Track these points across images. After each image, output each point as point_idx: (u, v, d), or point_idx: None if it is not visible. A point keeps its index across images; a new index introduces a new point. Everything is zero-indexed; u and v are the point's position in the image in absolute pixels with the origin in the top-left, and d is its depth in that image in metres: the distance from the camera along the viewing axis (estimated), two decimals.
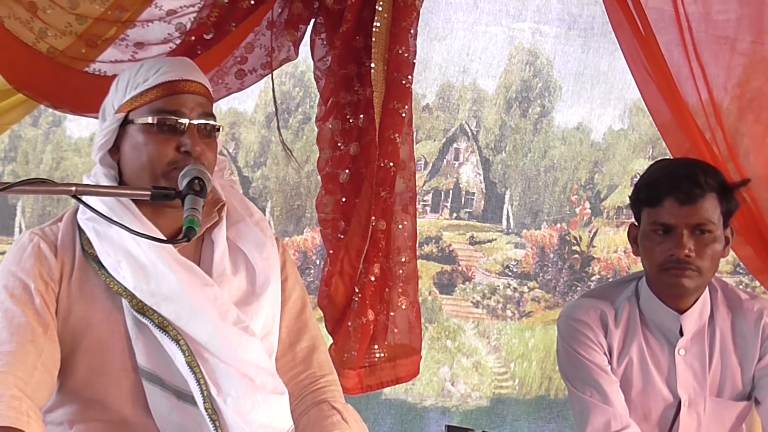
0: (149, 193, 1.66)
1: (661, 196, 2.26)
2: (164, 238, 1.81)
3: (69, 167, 5.86)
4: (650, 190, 2.29)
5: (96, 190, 1.76)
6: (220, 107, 5.56)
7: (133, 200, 1.88)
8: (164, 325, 1.83)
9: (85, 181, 1.94)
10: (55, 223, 1.95)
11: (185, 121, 1.87)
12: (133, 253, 1.85)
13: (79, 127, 5.61)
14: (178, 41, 2.57)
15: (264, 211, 5.58)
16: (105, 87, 2.54)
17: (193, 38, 2.56)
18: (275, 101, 2.72)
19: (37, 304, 1.82)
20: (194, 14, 2.57)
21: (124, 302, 1.85)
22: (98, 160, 1.94)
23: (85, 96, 2.53)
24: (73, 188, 1.62)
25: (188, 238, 1.62)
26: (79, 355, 1.86)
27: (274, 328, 1.96)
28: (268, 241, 1.98)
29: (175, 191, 1.69)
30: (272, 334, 1.95)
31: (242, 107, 5.63)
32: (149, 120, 1.87)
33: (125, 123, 1.91)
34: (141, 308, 1.84)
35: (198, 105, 1.90)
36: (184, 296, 1.84)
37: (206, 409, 1.81)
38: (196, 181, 1.71)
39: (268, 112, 5.55)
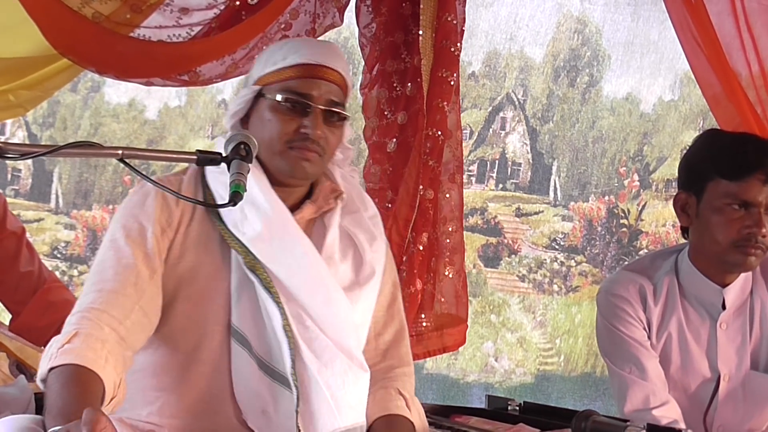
0: (195, 157, 1.73)
1: (749, 171, 2.25)
2: (270, 214, 1.90)
3: (107, 133, 5.96)
4: (734, 163, 2.27)
5: (142, 154, 1.84)
6: None
7: (265, 172, 1.95)
8: (270, 286, 1.89)
9: (219, 142, 1.99)
10: (179, 175, 2.01)
11: (311, 104, 1.94)
12: (259, 210, 1.92)
13: (118, 93, 5.71)
14: (222, 6, 2.61)
15: None
16: (149, 52, 2.62)
17: (237, 3, 2.60)
18: None
19: (150, 248, 1.89)
20: None
21: (235, 258, 1.92)
22: (229, 127, 2.02)
23: (129, 61, 2.60)
24: (120, 151, 1.68)
25: (234, 202, 1.67)
26: (179, 303, 1.93)
27: (368, 319, 2.03)
28: (379, 237, 2.06)
29: (221, 156, 1.75)
30: (364, 325, 2.02)
31: None
32: (278, 97, 1.95)
33: (258, 96, 1.98)
34: (252, 265, 1.91)
35: (328, 92, 1.96)
36: (303, 262, 1.92)
37: (292, 378, 1.87)
38: (242, 146, 1.74)
39: None
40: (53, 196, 6.14)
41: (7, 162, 1.71)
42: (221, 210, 1.93)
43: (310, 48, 2.00)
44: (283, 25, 2.69)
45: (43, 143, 6.19)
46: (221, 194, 1.94)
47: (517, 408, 2.42)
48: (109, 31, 2.55)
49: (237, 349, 1.91)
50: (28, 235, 2.55)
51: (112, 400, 1.74)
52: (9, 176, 6.13)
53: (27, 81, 2.72)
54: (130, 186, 5.29)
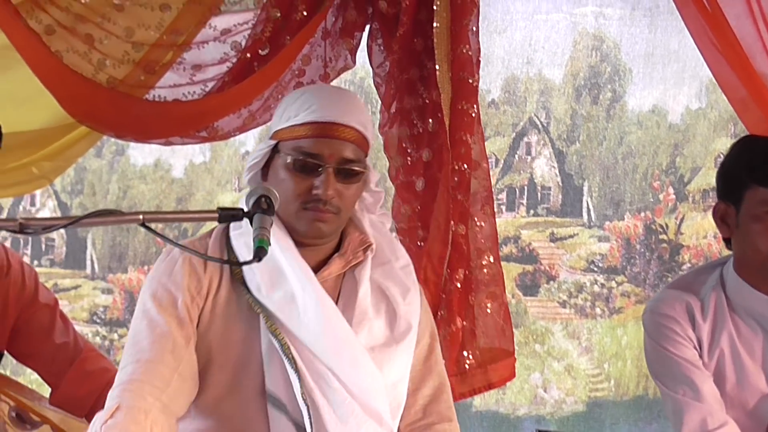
0: (216, 215, 1.71)
1: None
2: (293, 274, 1.87)
3: (136, 195, 6.00)
4: None
5: (163, 216, 1.82)
6: None
7: (289, 232, 1.94)
8: (288, 351, 1.87)
9: (242, 200, 1.99)
10: (205, 238, 2.00)
11: (322, 164, 1.92)
12: (283, 274, 1.90)
13: (143, 154, 5.75)
14: (234, 60, 2.62)
15: None
16: (166, 112, 2.63)
17: (248, 55, 2.61)
18: None
19: (182, 316, 1.89)
20: (248, 31, 2.62)
21: (262, 322, 1.90)
22: (247, 180, 2.01)
23: (147, 123, 2.61)
24: (141, 216, 1.67)
25: (259, 258, 1.64)
26: (213, 372, 1.91)
27: (406, 375, 1.98)
28: (413, 287, 2.02)
29: (242, 211, 1.73)
30: (403, 381, 1.97)
31: None
32: (289, 158, 1.93)
33: (275, 149, 1.97)
34: (274, 330, 1.89)
35: (341, 150, 1.93)
36: (326, 325, 1.89)
37: None
38: (263, 199, 1.72)
39: None
40: (88, 262, 6.18)
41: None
42: (245, 274, 1.91)
43: (322, 103, 1.96)
44: (296, 72, 2.70)
45: (72, 211, 6.26)
46: (244, 255, 1.92)
47: None
48: (124, 95, 2.57)
49: (274, 413, 1.89)
50: (64, 303, 2.54)
51: None
52: (44, 246, 6.18)
53: (48, 152, 2.74)
54: (163, 246, 5.31)
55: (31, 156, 2.73)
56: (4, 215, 6.03)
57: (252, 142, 5.69)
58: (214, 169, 5.66)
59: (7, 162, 2.55)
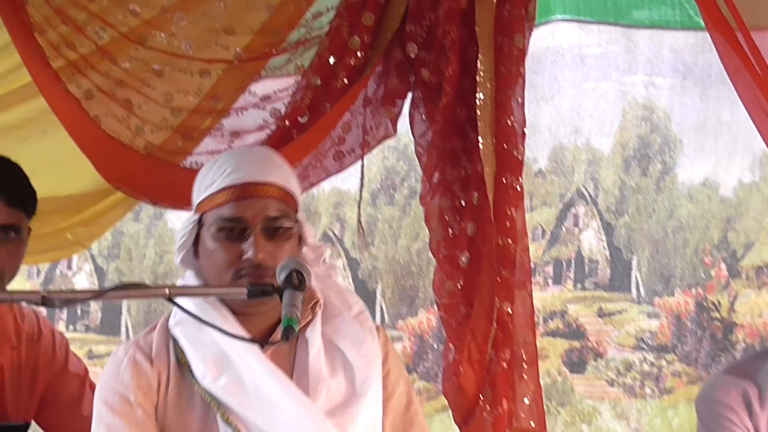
0: (245, 290, 1.69)
1: None
2: (256, 339, 1.82)
3: (172, 261, 6.06)
4: None
5: (190, 291, 1.81)
6: (323, 188, 5.67)
7: (222, 301, 1.91)
8: None
9: (179, 284, 1.99)
10: (150, 332, 1.98)
11: (247, 227, 1.89)
12: (227, 357, 1.86)
13: (181, 219, 5.81)
14: (273, 127, 2.64)
15: (374, 294, 5.61)
16: None
17: (287, 123, 2.61)
18: (362, 179, 2.76)
19: (139, 416, 1.86)
20: (288, 98, 2.63)
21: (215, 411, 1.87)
22: (178, 262, 1.98)
23: (183, 190, 2.60)
24: (166, 290, 1.66)
25: (287, 338, 1.60)
26: None
27: (377, 430, 1.94)
28: (368, 336, 1.96)
29: (272, 287, 1.71)
30: None
31: (346, 186, 5.73)
32: (213, 228, 1.91)
33: (201, 223, 1.95)
34: (226, 417, 1.85)
35: (264, 208, 1.90)
36: (280, 403, 1.84)
37: None
38: (295, 274, 1.70)
39: (372, 189, 5.63)
40: (123, 329, 6.20)
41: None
42: (190, 362, 1.88)
43: (237, 165, 1.94)
44: (336, 140, 2.70)
45: (108, 275, 6.32)
46: (185, 345, 1.89)
47: None
48: (161, 161, 2.59)
49: None
50: (98, 370, 2.54)
51: None
52: (79, 311, 6.23)
53: (83, 217, 2.76)
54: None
55: (67, 221, 2.75)
56: (41, 278, 6.10)
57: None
58: None
59: (42, 227, 2.57)
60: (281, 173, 1.97)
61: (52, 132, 2.60)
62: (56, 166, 2.69)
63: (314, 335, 1.93)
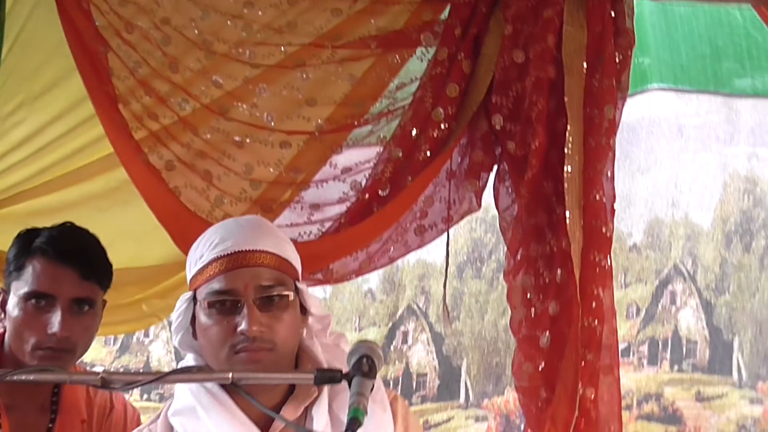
0: (312, 376, 1.66)
1: None
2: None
3: None
4: None
5: (254, 376, 1.77)
6: (408, 259, 5.65)
7: (226, 387, 1.85)
8: None
9: (186, 362, 1.94)
10: (154, 421, 1.95)
11: (239, 299, 1.84)
12: None
13: None
14: (353, 200, 2.63)
15: (459, 370, 5.53)
16: None
17: (368, 195, 2.61)
18: (447, 256, 2.73)
19: None
20: (369, 170, 2.64)
21: None
22: (177, 344, 1.95)
23: None
24: (230, 375, 1.63)
25: (353, 429, 1.54)
26: None
27: None
28: (377, 409, 1.88)
29: (341, 373, 1.67)
30: None
31: (431, 258, 5.71)
32: (205, 304, 1.86)
33: (195, 301, 1.91)
34: None
35: (256, 278, 1.85)
36: None
37: None
38: (365, 360, 1.65)
39: (459, 261, 5.59)
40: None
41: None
42: None
43: (224, 235, 1.89)
44: (418, 214, 2.68)
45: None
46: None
47: None
48: None
49: None
50: None
51: None
52: None
53: (159, 289, 2.79)
54: None
55: (143, 293, 2.79)
56: (117, 345, 6.18)
57: (376, 280, 5.71)
58: (335, 306, 5.68)
59: (118, 298, 2.60)
60: (273, 240, 1.92)
61: (133, 202, 2.65)
62: (135, 237, 2.74)
63: (320, 411, 1.87)
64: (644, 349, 5.14)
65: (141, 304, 2.80)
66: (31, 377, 1.84)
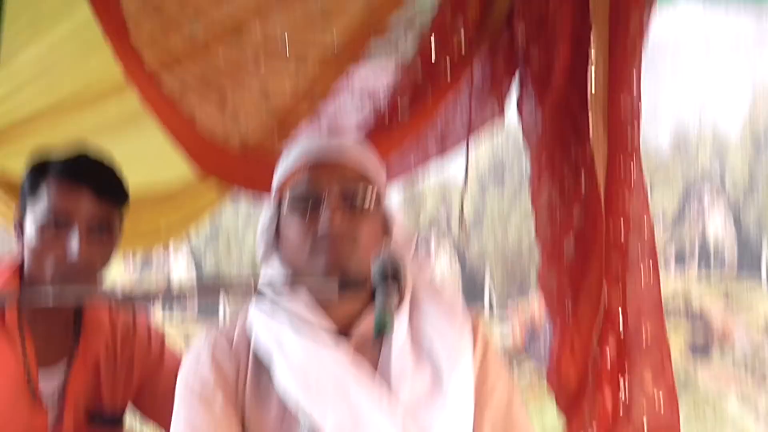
0: (336, 284, 1.67)
1: None
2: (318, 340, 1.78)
3: None
4: None
5: (276, 281, 1.80)
6: (430, 176, 5.62)
7: (309, 289, 1.89)
8: None
9: (263, 271, 1.98)
10: (233, 323, 2.00)
11: (322, 200, 1.88)
12: (307, 351, 1.85)
13: None
14: (372, 113, 2.60)
15: (483, 276, 5.57)
16: None
17: (387, 107, 2.58)
18: (467, 164, 2.71)
19: (218, 414, 1.86)
20: (388, 82, 2.60)
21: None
22: (261, 253, 1.98)
23: None
24: (252, 282, 1.65)
25: (379, 336, 1.59)
26: None
27: (466, 429, 1.88)
28: (457, 331, 1.91)
29: (365, 278, 1.68)
30: None
31: (453, 174, 5.67)
32: (288, 206, 1.91)
33: (279, 208, 1.95)
34: (303, 412, 1.83)
35: (341, 180, 1.89)
36: (354, 401, 1.82)
37: None
38: (389, 265, 1.67)
39: (480, 176, 5.58)
40: (221, 313, 6.29)
41: None
42: (267, 354, 1.87)
43: (314, 141, 1.96)
44: (438, 124, 2.67)
45: (205, 264, 6.42)
46: (262, 338, 1.89)
47: None
48: (254, 154, 2.59)
49: None
50: None
51: None
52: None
53: (175, 206, 2.79)
54: None
55: (161, 212, 2.79)
56: (137, 263, 6.24)
57: (397, 195, 5.72)
58: None
59: (135, 219, 2.60)
60: (361, 150, 1.97)
61: (147, 125, 2.63)
62: (149, 158, 2.73)
63: (401, 327, 1.90)
64: (672, 253, 5.15)
65: (158, 223, 2.81)
66: (50, 298, 1.86)
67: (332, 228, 1.84)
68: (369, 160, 1.97)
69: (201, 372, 1.90)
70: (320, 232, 1.85)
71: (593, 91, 2.53)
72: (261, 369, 1.90)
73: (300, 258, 1.88)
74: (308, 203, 1.88)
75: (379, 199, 1.93)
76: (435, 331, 1.90)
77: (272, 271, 1.97)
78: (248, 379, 1.90)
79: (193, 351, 1.96)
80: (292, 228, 1.89)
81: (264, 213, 1.99)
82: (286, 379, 1.86)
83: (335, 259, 1.83)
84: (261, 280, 1.94)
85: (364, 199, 1.89)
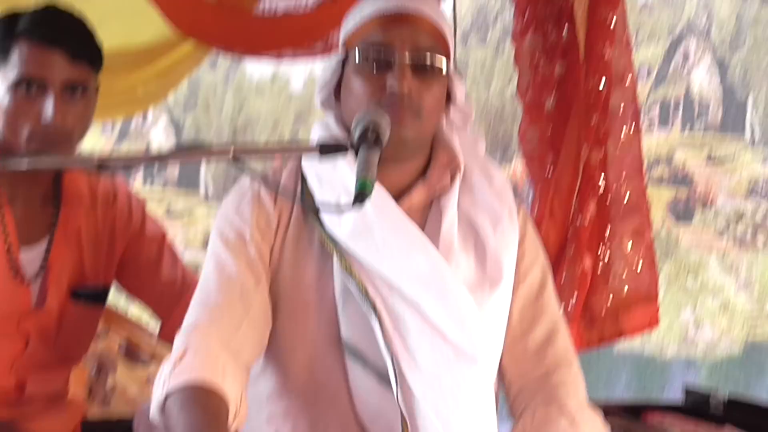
0: (317, 148, 1.64)
1: None
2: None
3: (251, 112, 6.04)
4: None
5: (256, 149, 1.76)
6: None
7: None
8: (365, 292, 1.78)
9: (315, 127, 1.92)
10: (280, 168, 1.94)
11: (393, 55, 1.81)
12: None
13: (260, 68, 5.77)
14: None
15: None
16: (276, 26, 2.59)
17: None
18: (455, 18, 2.66)
19: (252, 254, 1.83)
20: None
21: (335, 262, 1.82)
22: (319, 104, 1.92)
23: (256, 37, 2.58)
24: (231, 149, 1.60)
25: (360, 202, 1.54)
26: (282, 320, 1.85)
27: (502, 321, 1.87)
28: (506, 214, 1.87)
29: (346, 145, 1.65)
30: (500, 328, 1.86)
31: None
32: (357, 58, 1.83)
33: (345, 62, 1.88)
34: (349, 268, 1.80)
35: (414, 38, 1.81)
36: (411, 255, 1.79)
37: (400, 399, 1.77)
38: (371, 129, 1.63)
39: (463, 28, 5.49)
40: (202, 184, 6.27)
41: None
42: (318, 201, 1.83)
43: None
44: None
45: (185, 128, 6.39)
46: (316, 188, 1.84)
47: (721, 406, 2.25)
48: (232, 8, 2.54)
49: (353, 365, 1.80)
50: (177, 227, 2.57)
51: (236, 417, 1.70)
52: (156, 166, 6.32)
53: (152, 71, 2.76)
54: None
55: (137, 75, 2.75)
56: (115, 133, 6.20)
57: None
58: None
59: (111, 82, 2.56)
60: (436, 12, 1.89)
61: None
62: (124, 16, 2.67)
63: (449, 205, 1.86)
64: (655, 111, 5.14)
65: (136, 87, 2.77)
66: (25, 166, 1.82)
67: (402, 89, 1.78)
68: (444, 22, 1.89)
69: (242, 213, 1.86)
70: (389, 89, 1.79)
71: None
72: (306, 219, 1.87)
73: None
74: (378, 60, 1.81)
75: (449, 64, 1.87)
76: (484, 216, 1.87)
77: (319, 130, 1.90)
78: (290, 228, 1.87)
79: (237, 191, 1.90)
80: (357, 84, 1.82)
81: (326, 66, 1.91)
82: (335, 228, 1.82)
83: (401, 118, 1.77)
84: (312, 133, 1.90)
85: (435, 64, 1.82)
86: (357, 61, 1.82)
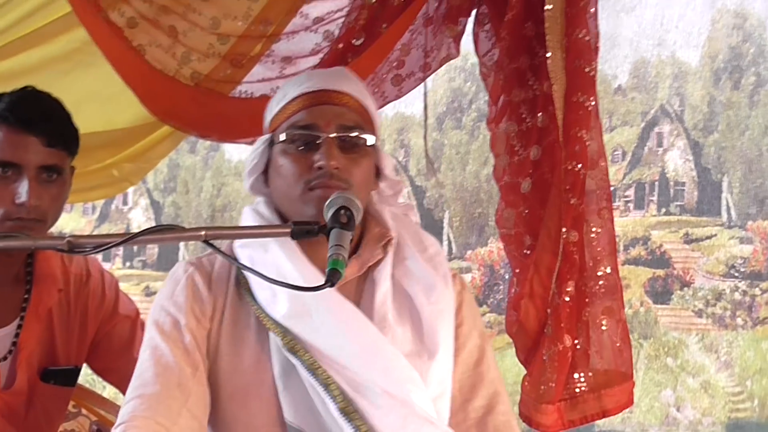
0: (289, 230, 1.66)
1: None
2: (302, 285, 1.73)
3: (230, 193, 6.08)
4: None
5: (227, 233, 1.79)
6: (386, 113, 5.62)
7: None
8: (315, 367, 1.79)
9: (246, 213, 1.97)
10: (212, 254, 1.95)
11: (320, 134, 1.85)
12: (292, 281, 1.80)
13: (239, 150, 5.81)
14: (326, 51, 2.59)
15: (441, 223, 5.58)
16: (252, 110, 2.62)
17: (341, 46, 2.57)
18: (425, 106, 2.71)
19: (187, 342, 1.83)
20: (342, 19, 2.59)
21: (274, 342, 1.83)
22: (248, 188, 1.95)
23: (232, 122, 2.60)
24: (203, 232, 1.63)
25: (332, 283, 1.56)
26: (222, 404, 1.85)
27: (447, 387, 1.89)
28: (440, 282, 1.91)
29: (318, 226, 1.67)
30: (443, 396, 1.88)
31: (410, 111, 5.66)
32: (284, 140, 1.87)
33: (271, 145, 1.92)
34: (292, 347, 1.81)
35: (338, 117, 1.86)
36: (349, 332, 1.81)
37: None
38: (342, 211, 1.65)
39: (438, 112, 5.56)
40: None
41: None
42: (251, 286, 1.85)
43: (311, 76, 1.93)
44: (394, 64, 2.65)
45: (165, 209, 6.40)
46: (251, 276, 1.85)
47: None
48: (208, 92, 2.58)
49: None
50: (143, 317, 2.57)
51: None
52: (135, 248, 6.32)
53: (129, 153, 2.78)
54: None
55: (113, 157, 2.77)
56: (96, 214, 6.20)
57: None
58: None
59: (87, 164, 2.59)
60: (359, 88, 1.95)
61: (97, 65, 2.61)
62: (101, 99, 2.71)
63: (382, 277, 1.89)
64: (631, 193, 5.19)
65: (111, 168, 2.79)
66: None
67: (330, 166, 1.82)
68: (367, 98, 1.95)
69: (177, 300, 1.87)
70: (317, 167, 1.82)
71: (548, 25, 2.52)
72: (241, 301, 1.89)
73: (293, 195, 1.85)
74: (304, 140, 1.85)
75: (375, 139, 1.91)
76: (418, 285, 1.89)
77: (250, 216, 1.93)
78: (226, 312, 1.88)
79: (172, 278, 1.92)
80: (285, 165, 1.86)
81: (254, 148, 1.95)
82: (273, 311, 1.83)
83: (330, 195, 1.79)
84: (243, 220, 1.92)
85: (361, 138, 1.88)
86: (284, 142, 1.85)
